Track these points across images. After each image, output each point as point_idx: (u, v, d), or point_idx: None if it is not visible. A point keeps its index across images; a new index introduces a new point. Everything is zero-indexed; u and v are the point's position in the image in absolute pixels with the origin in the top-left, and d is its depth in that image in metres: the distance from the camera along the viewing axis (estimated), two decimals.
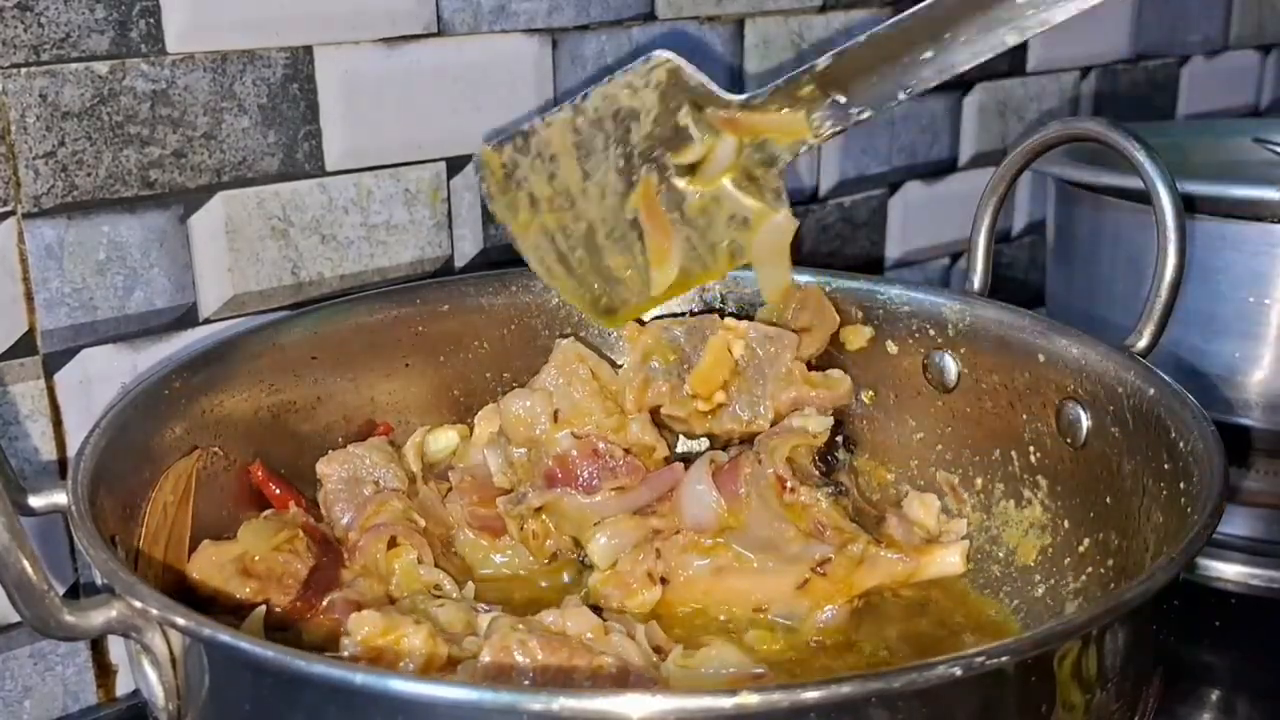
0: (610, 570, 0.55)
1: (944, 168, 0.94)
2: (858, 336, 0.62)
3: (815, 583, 0.53)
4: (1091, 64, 1.02)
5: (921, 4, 0.52)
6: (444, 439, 0.62)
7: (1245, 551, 0.69)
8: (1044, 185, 0.85)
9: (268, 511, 0.55)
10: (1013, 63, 0.96)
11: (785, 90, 0.55)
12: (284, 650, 0.35)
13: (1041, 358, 0.57)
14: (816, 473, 0.57)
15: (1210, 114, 1.13)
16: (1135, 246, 0.71)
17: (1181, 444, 0.48)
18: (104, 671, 0.62)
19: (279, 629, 0.49)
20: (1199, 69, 1.11)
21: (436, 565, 0.54)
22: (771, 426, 0.59)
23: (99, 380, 0.59)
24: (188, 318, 0.61)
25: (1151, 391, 0.51)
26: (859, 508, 0.58)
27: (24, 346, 0.57)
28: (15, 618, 0.51)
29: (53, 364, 0.58)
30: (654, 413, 0.60)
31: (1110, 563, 0.52)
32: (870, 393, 0.63)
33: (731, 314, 0.63)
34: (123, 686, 0.62)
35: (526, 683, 0.40)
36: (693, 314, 0.63)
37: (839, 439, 0.62)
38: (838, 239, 0.88)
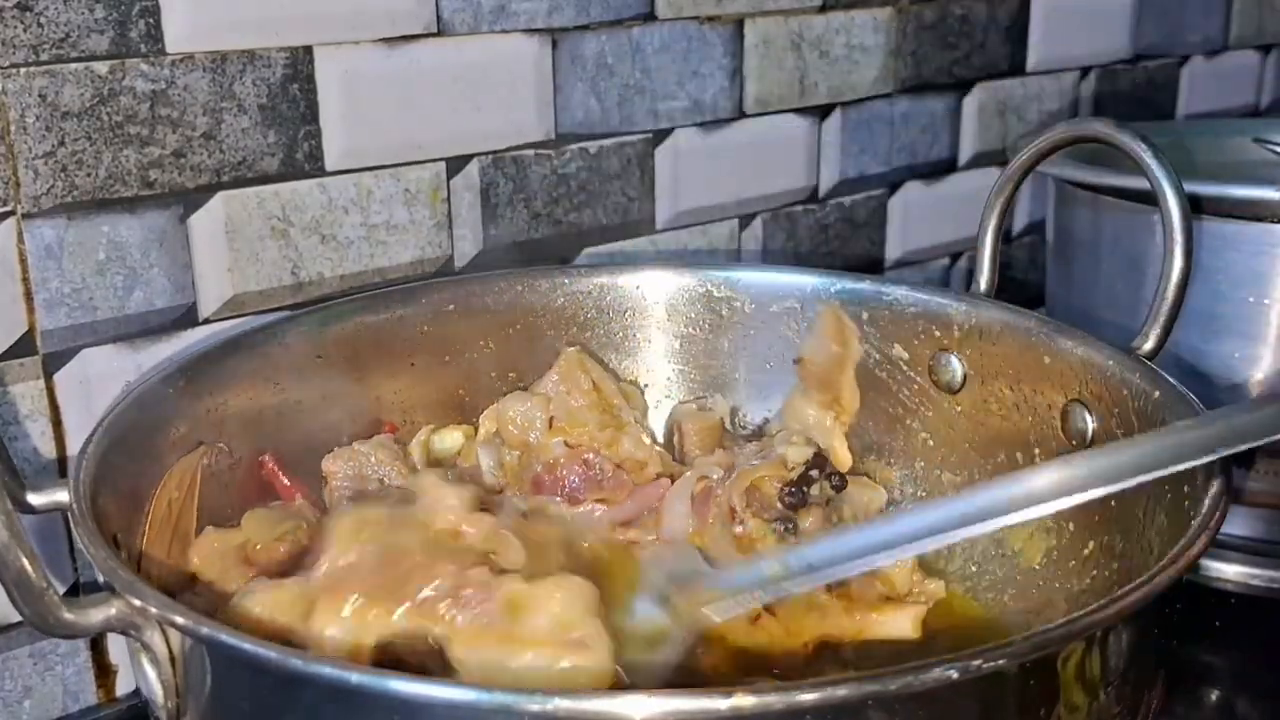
0: None
1: (944, 168, 0.94)
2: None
3: (767, 621, 0.52)
4: (1091, 64, 1.02)
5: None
6: (449, 439, 0.62)
7: (1246, 552, 0.69)
8: (1044, 185, 0.85)
9: (274, 503, 0.55)
10: (1013, 63, 0.96)
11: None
12: (283, 650, 0.35)
13: (1048, 360, 0.57)
14: (780, 506, 0.56)
15: (1210, 114, 1.13)
16: (1135, 247, 0.71)
17: None
18: (104, 671, 0.62)
19: None
20: (1199, 69, 1.11)
21: None
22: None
23: (98, 380, 0.59)
24: (187, 318, 0.61)
25: (1157, 394, 0.51)
26: None
27: (24, 346, 0.57)
28: (15, 618, 0.51)
29: (52, 364, 0.58)
30: None
31: (1115, 565, 0.52)
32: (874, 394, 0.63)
33: None
34: (123, 686, 0.62)
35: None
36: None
37: (823, 473, 0.59)
38: (837, 239, 0.88)
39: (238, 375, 0.56)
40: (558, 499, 0.57)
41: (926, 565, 0.59)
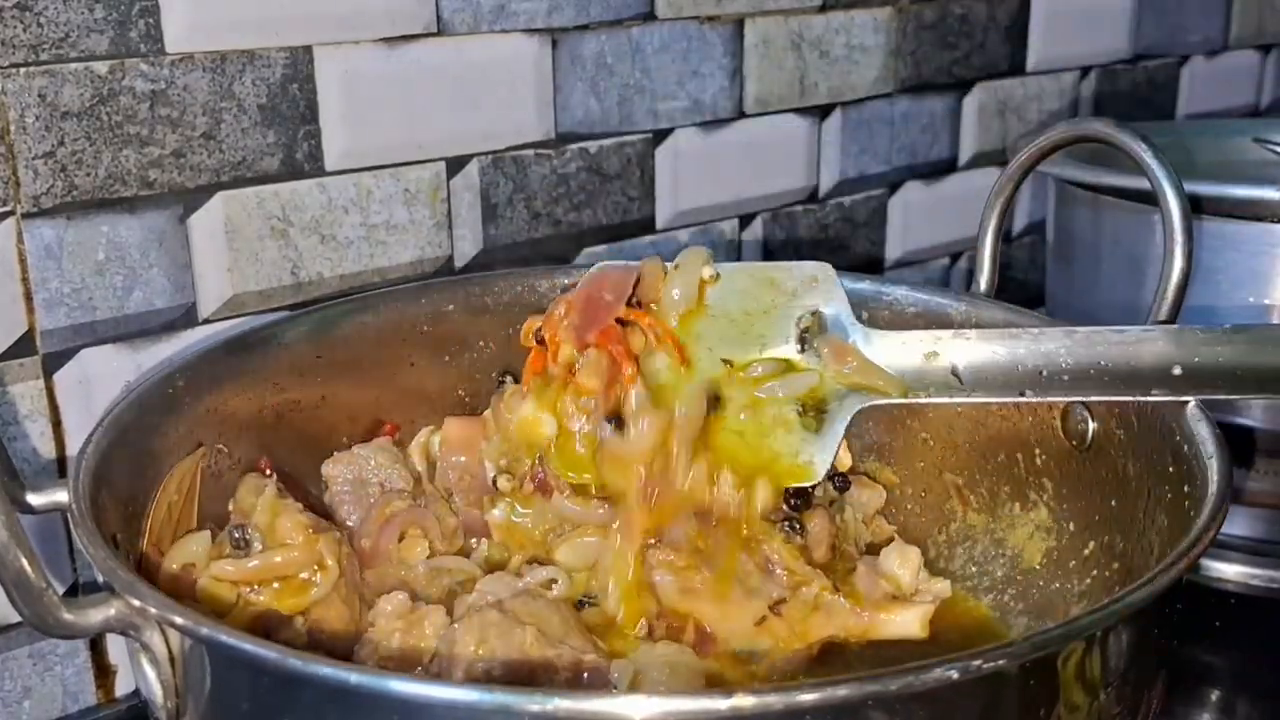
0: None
1: (944, 168, 0.94)
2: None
3: (773, 622, 0.52)
4: (1091, 64, 1.02)
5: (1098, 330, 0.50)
6: None
7: (1246, 552, 0.69)
8: (1044, 185, 0.85)
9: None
10: (1013, 63, 0.96)
11: (912, 344, 0.53)
12: (282, 650, 0.35)
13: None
14: (784, 507, 0.55)
15: (1210, 114, 1.13)
16: (1136, 247, 0.71)
17: (1186, 447, 0.48)
18: (103, 672, 0.62)
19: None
20: (1199, 69, 1.11)
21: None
22: None
23: (98, 380, 0.59)
24: (187, 318, 0.61)
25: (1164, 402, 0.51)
26: (841, 550, 0.56)
27: (23, 346, 0.57)
28: (15, 618, 0.51)
29: (52, 364, 0.57)
30: None
31: (1115, 565, 0.52)
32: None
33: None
34: (122, 687, 0.62)
35: (481, 668, 0.41)
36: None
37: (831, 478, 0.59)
38: (837, 239, 0.88)
39: (238, 375, 0.56)
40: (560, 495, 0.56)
41: (933, 564, 0.59)
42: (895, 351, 0.53)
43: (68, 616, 0.37)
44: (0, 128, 0.54)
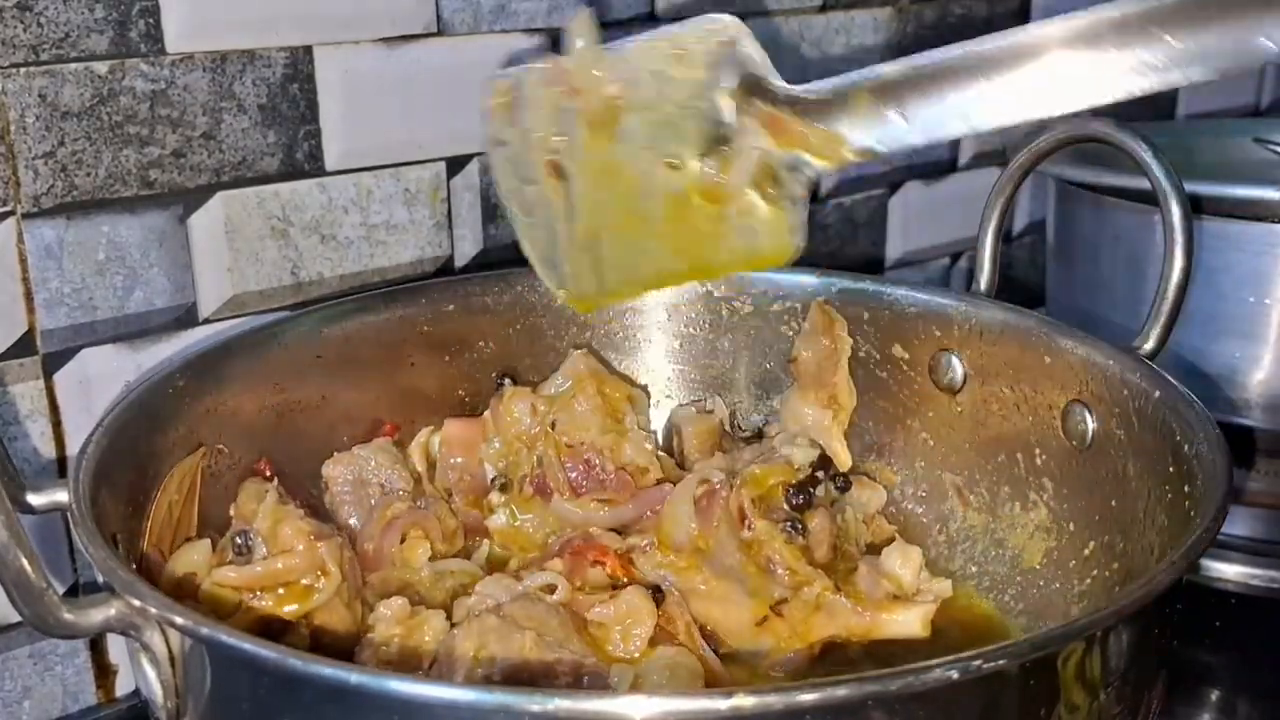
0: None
1: (944, 168, 0.94)
2: None
3: (774, 622, 0.52)
4: None
5: (1015, 33, 0.45)
6: None
7: (1246, 552, 0.69)
8: (1044, 185, 0.85)
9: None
10: None
11: (842, 94, 0.46)
12: (282, 650, 0.35)
13: (1048, 359, 0.57)
14: (785, 507, 0.55)
15: (1210, 114, 1.13)
16: (1135, 246, 0.71)
17: (1186, 447, 0.48)
18: (103, 672, 0.62)
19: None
20: None
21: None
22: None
23: (98, 380, 0.59)
24: (187, 318, 0.61)
25: (1157, 394, 0.51)
26: (842, 550, 0.56)
27: (23, 346, 0.57)
28: (15, 618, 0.51)
29: (52, 364, 0.57)
30: None
31: (1115, 565, 0.52)
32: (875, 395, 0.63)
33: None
34: (122, 687, 0.62)
35: (480, 673, 0.42)
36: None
37: (827, 474, 0.58)
38: (838, 239, 0.88)
39: (238, 375, 0.56)
40: (559, 496, 0.56)
41: (933, 564, 0.59)
42: (832, 106, 0.46)
43: (68, 616, 0.37)
44: (0, 128, 0.54)
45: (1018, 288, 0.98)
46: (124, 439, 0.48)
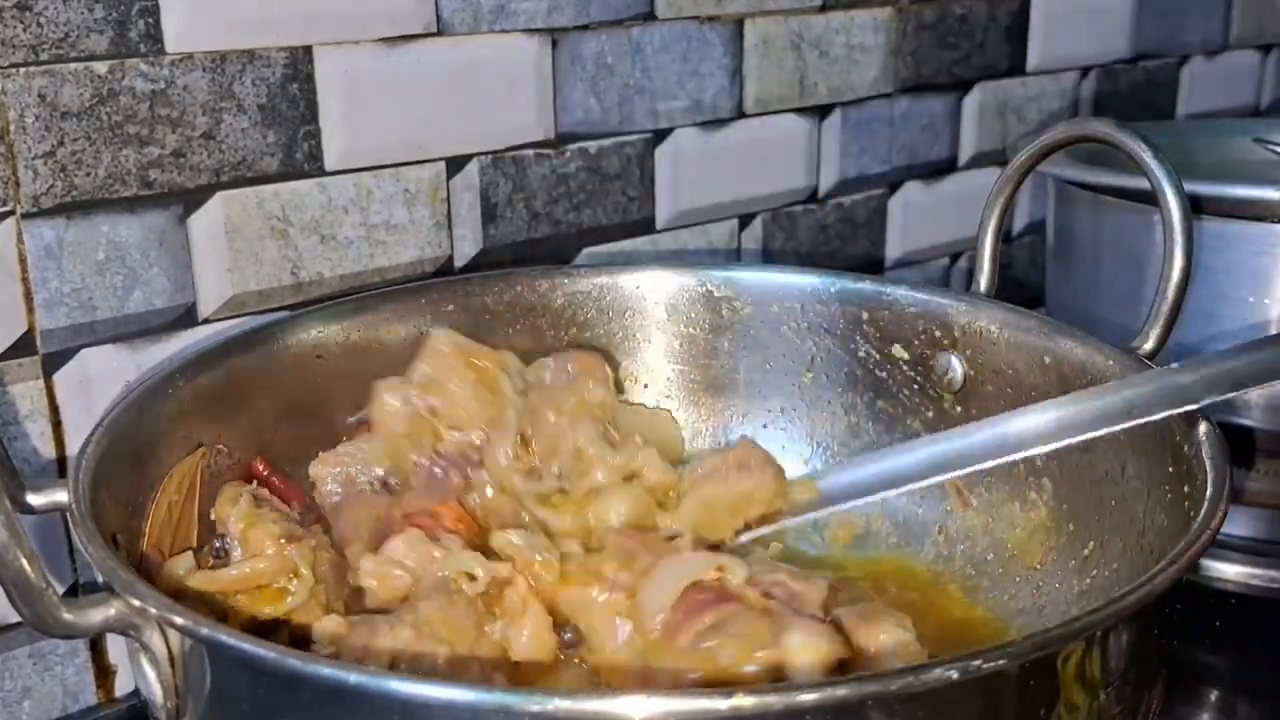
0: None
1: (944, 168, 0.94)
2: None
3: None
4: (1091, 64, 1.02)
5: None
6: None
7: (1246, 552, 0.69)
8: (1044, 185, 0.85)
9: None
10: (1013, 62, 0.96)
11: None
12: (282, 650, 0.35)
13: (1048, 360, 0.57)
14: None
15: (1210, 114, 1.13)
16: (1135, 246, 0.71)
17: (1186, 447, 0.48)
18: (103, 672, 0.62)
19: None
20: (1199, 69, 1.11)
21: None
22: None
23: (98, 380, 0.59)
24: (187, 318, 0.61)
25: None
26: None
27: (23, 346, 0.57)
28: (15, 618, 0.51)
29: (52, 364, 0.57)
30: None
31: (1115, 565, 0.52)
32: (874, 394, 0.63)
33: None
34: (122, 687, 0.62)
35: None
36: None
37: None
38: (837, 239, 0.88)
39: (238, 375, 0.56)
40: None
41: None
42: None
43: (68, 616, 0.37)
44: (0, 128, 0.54)
45: (1017, 288, 0.98)
46: (124, 439, 0.48)
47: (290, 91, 0.62)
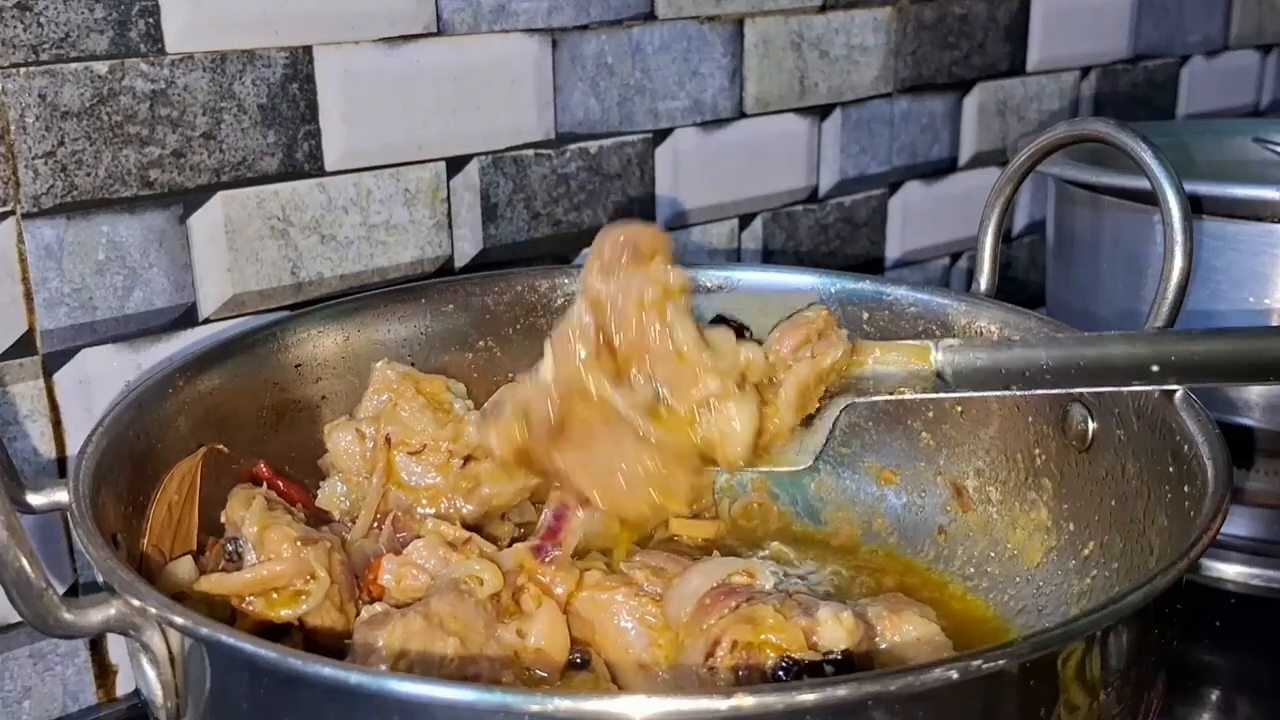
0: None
1: (944, 167, 0.94)
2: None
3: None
4: (1091, 64, 1.02)
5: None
6: None
7: (1246, 551, 0.69)
8: (1044, 185, 0.85)
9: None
10: (1013, 63, 0.96)
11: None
12: (282, 650, 0.35)
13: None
14: (766, 677, 0.45)
15: (1210, 114, 1.13)
16: (1135, 247, 0.71)
17: (1186, 447, 0.48)
18: (103, 672, 0.62)
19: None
20: (1199, 69, 1.11)
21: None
22: None
23: (98, 380, 0.59)
24: (187, 318, 0.61)
25: (1157, 395, 0.51)
26: None
27: (23, 346, 0.57)
28: (15, 618, 0.51)
29: (52, 364, 0.57)
30: None
31: (1115, 565, 0.52)
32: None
33: None
34: (122, 687, 0.62)
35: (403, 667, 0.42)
36: None
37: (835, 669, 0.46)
38: (838, 239, 0.88)
39: (238, 375, 0.56)
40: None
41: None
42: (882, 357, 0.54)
43: (68, 616, 0.37)
44: (0, 128, 0.54)
45: (1017, 288, 0.98)
46: (124, 439, 0.48)
47: (290, 91, 0.62)
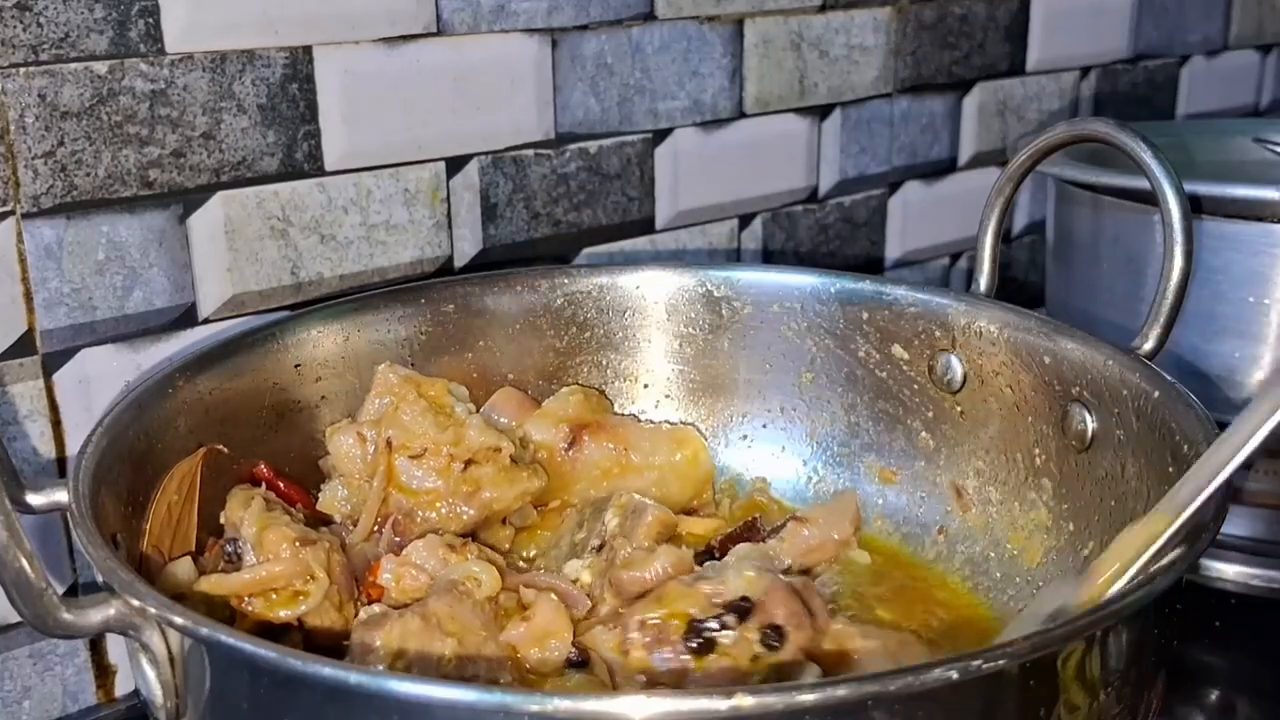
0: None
1: (944, 167, 0.94)
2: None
3: None
4: (1091, 64, 1.02)
5: None
6: None
7: (1245, 552, 0.69)
8: (1044, 185, 0.85)
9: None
10: (1013, 62, 0.96)
11: None
12: (281, 650, 0.35)
13: (1048, 360, 0.57)
14: (677, 646, 0.45)
15: (1210, 114, 1.13)
16: (1135, 246, 0.71)
17: (1186, 447, 0.48)
18: (103, 672, 0.62)
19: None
20: (1199, 69, 1.11)
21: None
22: None
23: (98, 380, 0.59)
24: (187, 318, 0.61)
25: (1156, 394, 0.51)
26: None
27: (23, 346, 0.57)
28: (15, 618, 0.51)
29: (52, 364, 0.57)
30: None
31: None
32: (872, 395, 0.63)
33: None
34: (122, 687, 0.62)
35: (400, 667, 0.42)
36: None
37: (741, 620, 0.46)
38: (837, 239, 0.88)
39: (238, 375, 0.56)
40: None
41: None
42: None
43: (67, 616, 0.37)
44: (0, 128, 0.54)
45: (1017, 288, 0.98)
46: (123, 439, 0.48)
47: (290, 91, 0.62)
